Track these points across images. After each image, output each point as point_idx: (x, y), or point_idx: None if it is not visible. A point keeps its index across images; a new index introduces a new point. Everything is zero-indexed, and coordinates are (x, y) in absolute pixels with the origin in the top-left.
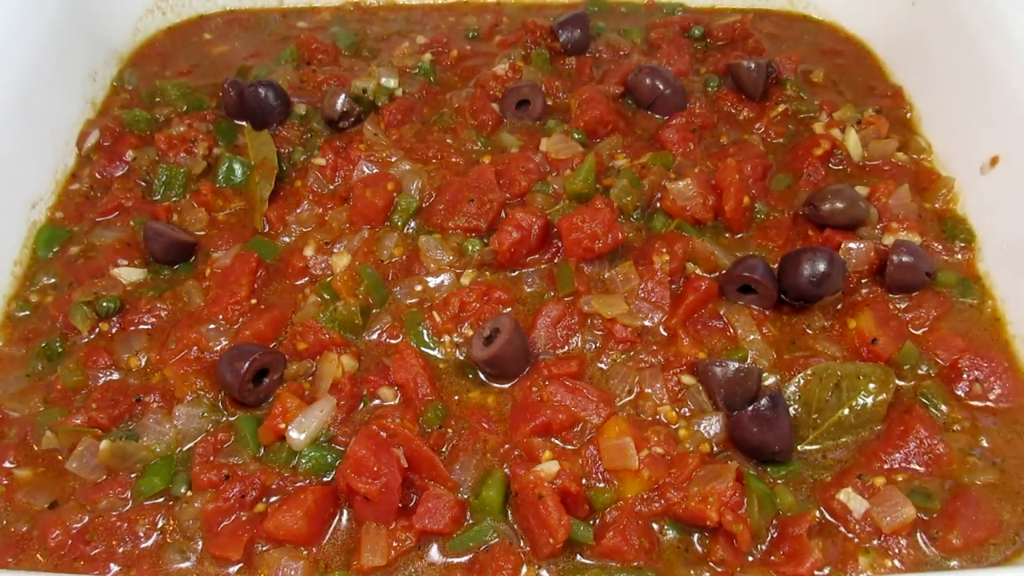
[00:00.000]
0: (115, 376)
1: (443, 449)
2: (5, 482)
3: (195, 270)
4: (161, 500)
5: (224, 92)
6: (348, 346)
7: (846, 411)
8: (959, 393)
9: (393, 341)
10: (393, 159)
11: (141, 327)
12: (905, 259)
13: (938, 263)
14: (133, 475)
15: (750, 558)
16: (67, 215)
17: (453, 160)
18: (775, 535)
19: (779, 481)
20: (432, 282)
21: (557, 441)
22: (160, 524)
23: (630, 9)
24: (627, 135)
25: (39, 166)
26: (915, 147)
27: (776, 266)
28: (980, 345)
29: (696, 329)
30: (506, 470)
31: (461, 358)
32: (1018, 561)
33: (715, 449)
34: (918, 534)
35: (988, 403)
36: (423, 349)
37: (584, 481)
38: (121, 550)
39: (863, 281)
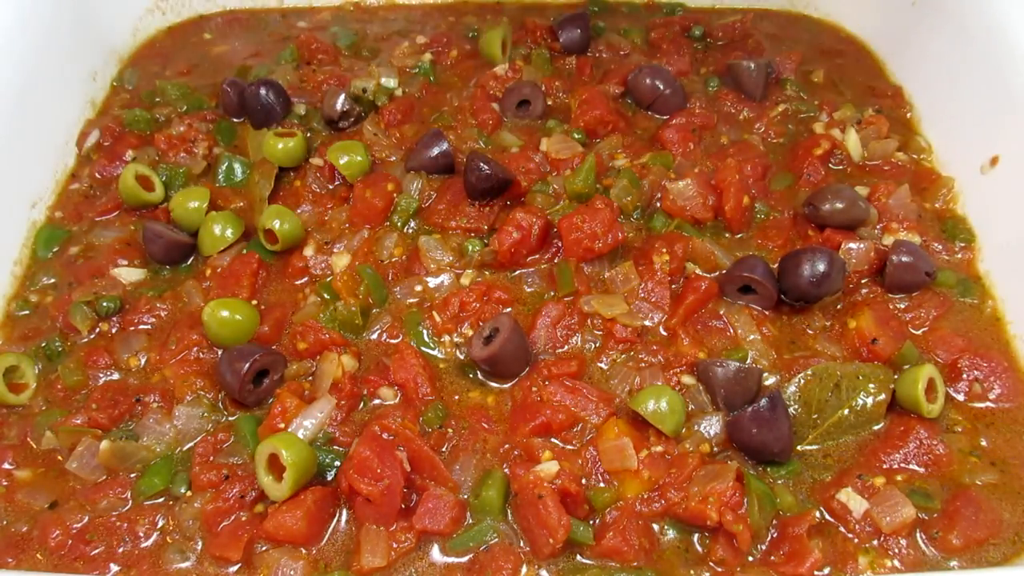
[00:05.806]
0: (115, 376)
1: (443, 449)
2: (5, 482)
3: (195, 270)
4: (161, 500)
5: (224, 92)
6: (348, 346)
7: (846, 411)
8: (959, 393)
9: (393, 341)
10: (393, 159)
11: (141, 327)
12: (905, 259)
13: (938, 263)
14: (133, 475)
15: (750, 558)
16: (67, 215)
17: None
18: (775, 535)
19: (779, 481)
20: (432, 282)
21: (557, 441)
22: (160, 524)
23: (630, 9)
24: (627, 135)
25: (39, 166)
26: (915, 147)
27: (776, 266)
28: (980, 345)
29: (696, 329)
30: (506, 470)
31: (461, 358)
32: (1018, 561)
33: (715, 449)
34: (918, 534)
35: (988, 403)
36: (423, 349)
37: (584, 481)
38: (121, 550)
39: (863, 281)
